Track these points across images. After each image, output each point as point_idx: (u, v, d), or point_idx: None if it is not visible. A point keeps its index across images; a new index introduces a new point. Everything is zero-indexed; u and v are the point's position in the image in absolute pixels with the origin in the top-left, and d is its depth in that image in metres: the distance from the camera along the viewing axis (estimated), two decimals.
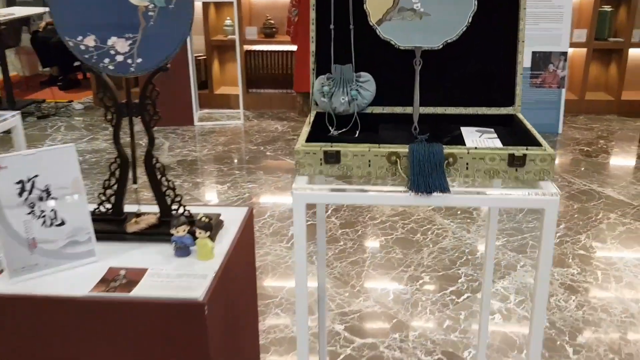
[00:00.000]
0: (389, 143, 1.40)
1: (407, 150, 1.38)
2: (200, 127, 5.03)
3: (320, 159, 1.39)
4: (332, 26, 1.59)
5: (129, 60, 1.62)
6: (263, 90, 5.41)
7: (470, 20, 1.52)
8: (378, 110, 1.62)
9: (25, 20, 6.55)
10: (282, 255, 3.12)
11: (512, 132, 1.52)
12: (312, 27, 1.61)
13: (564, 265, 2.92)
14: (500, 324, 2.49)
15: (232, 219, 1.80)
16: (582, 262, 2.95)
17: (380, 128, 1.56)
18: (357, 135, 1.53)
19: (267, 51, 5.30)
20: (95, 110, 5.50)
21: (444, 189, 1.32)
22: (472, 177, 1.37)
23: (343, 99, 1.57)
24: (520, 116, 1.59)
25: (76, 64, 6.33)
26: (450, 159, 1.36)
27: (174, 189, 1.72)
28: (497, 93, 1.59)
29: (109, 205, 1.74)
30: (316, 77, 1.62)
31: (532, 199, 1.30)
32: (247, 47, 5.28)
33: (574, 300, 2.64)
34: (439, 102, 1.61)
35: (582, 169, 4.16)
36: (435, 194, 1.32)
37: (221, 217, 1.77)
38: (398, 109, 1.62)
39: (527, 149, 1.35)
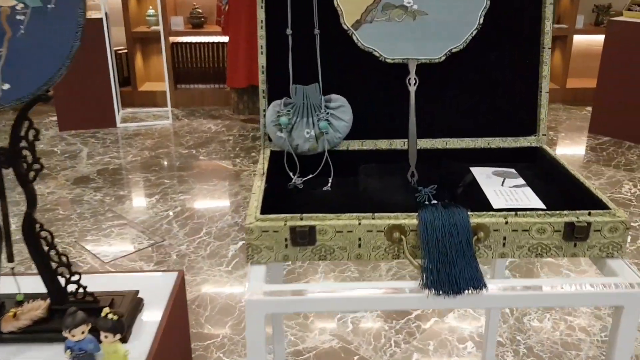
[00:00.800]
0: (384, 208, 0.91)
1: (415, 221, 0.89)
2: (124, 129, 4.37)
3: (286, 240, 0.89)
4: (289, 30, 1.08)
5: None
6: (193, 86, 4.78)
7: (481, 21, 1.06)
8: (356, 145, 1.14)
9: None
10: (222, 281, 2.60)
11: (542, 174, 1.07)
12: (261, 32, 1.10)
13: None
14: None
15: (157, 294, 1.27)
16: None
17: (361, 173, 1.08)
18: (329, 185, 1.05)
19: (195, 43, 4.66)
20: (4, 113, 4.70)
21: (479, 284, 0.85)
22: (510, 256, 0.91)
23: (308, 132, 1.07)
24: (547, 149, 1.14)
25: None
26: (481, 233, 0.89)
27: (68, 266, 1.17)
28: (514, 118, 1.14)
29: None
30: (268, 103, 1.11)
31: (606, 293, 0.85)
32: (173, 39, 4.63)
33: None
34: (438, 132, 1.14)
35: None
36: (466, 292, 0.85)
37: (140, 294, 1.24)
38: (383, 144, 1.14)
39: (590, 214, 0.89)
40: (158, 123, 4.50)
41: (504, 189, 1.01)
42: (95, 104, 4.22)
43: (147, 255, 2.83)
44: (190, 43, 4.70)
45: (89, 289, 1.20)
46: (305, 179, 1.05)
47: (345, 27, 1.05)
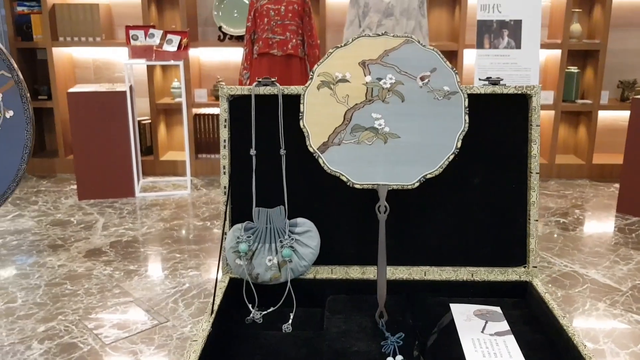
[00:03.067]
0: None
1: None
2: (142, 198, 4.36)
3: None
4: (253, 151, 0.99)
5: None
6: (213, 156, 4.78)
7: (459, 145, 0.95)
8: (324, 273, 1.02)
9: None
10: None
11: (530, 317, 0.93)
12: (224, 152, 1.02)
13: None
14: None
15: None
16: None
17: (327, 309, 0.96)
18: (289, 322, 0.93)
19: (217, 114, 4.70)
20: (27, 180, 4.78)
21: None
22: None
23: (270, 260, 0.97)
24: (538, 285, 1.00)
25: None
26: None
27: None
28: (501, 247, 1.01)
29: None
30: (231, 226, 1.01)
31: None
32: (195, 111, 4.67)
33: None
34: (415, 261, 1.02)
35: (561, 245, 3.64)
36: None
37: None
38: (355, 272, 1.02)
39: None
40: (176, 193, 4.49)
41: (483, 338, 0.87)
42: (115, 173, 4.25)
43: (149, 337, 2.72)
44: (213, 114, 4.75)
45: None
46: (265, 312, 0.94)
47: (312, 150, 0.96)
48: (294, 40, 4.08)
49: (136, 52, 4.13)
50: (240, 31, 4.51)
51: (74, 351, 2.53)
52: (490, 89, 0.97)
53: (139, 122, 4.55)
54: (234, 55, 4.77)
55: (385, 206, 0.94)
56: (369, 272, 1.01)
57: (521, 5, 3.63)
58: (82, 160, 4.12)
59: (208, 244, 3.63)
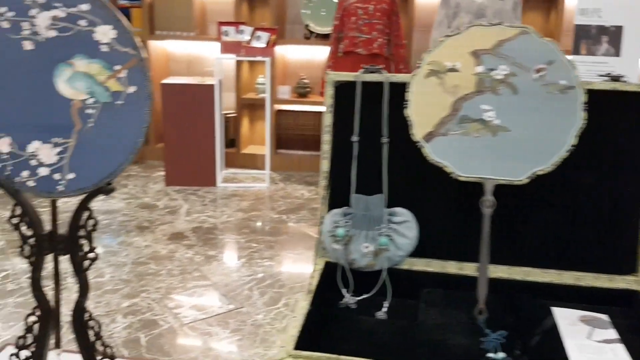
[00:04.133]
0: (441, 352, 0.76)
1: None
2: (223, 188, 4.47)
3: None
4: (355, 137, 0.99)
5: (57, 176, 1.04)
6: (292, 152, 4.83)
7: (573, 141, 0.90)
8: (420, 265, 1.00)
9: None
10: None
11: (639, 329, 0.87)
12: (326, 137, 1.02)
13: None
14: None
15: None
16: None
17: (422, 300, 0.94)
18: (384, 309, 0.91)
19: (298, 111, 4.74)
20: None
21: None
22: None
23: (366, 247, 0.96)
24: None
25: None
26: None
27: (112, 357, 1.12)
28: (610, 253, 0.95)
29: None
30: (328, 210, 1.02)
31: None
32: (278, 107, 4.74)
33: None
34: (516, 260, 0.97)
35: None
36: None
37: None
38: (451, 267, 0.99)
39: None
40: (255, 185, 4.57)
41: (590, 344, 0.82)
42: (200, 163, 4.38)
43: (225, 320, 2.78)
44: (294, 111, 4.79)
45: None
46: (359, 298, 0.93)
47: (416, 139, 0.94)
48: (380, 40, 4.04)
49: (226, 47, 4.24)
50: (326, 29, 4.53)
51: (154, 327, 2.62)
52: (610, 85, 0.91)
53: (224, 115, 4.67)
54: (319, 53, 4.80)
55: (491, 200, 0.90)
56: (467, 269, 0.97)
57: (624, 10, 3.42)
58: (171, 149, 4.28)
59: (283, 236, 3.68)
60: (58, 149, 1.01)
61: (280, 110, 4.80)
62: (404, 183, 0.98)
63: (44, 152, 1.02)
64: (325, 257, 1.01)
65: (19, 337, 1.13)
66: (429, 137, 0.94)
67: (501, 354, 0.76)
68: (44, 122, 1.00)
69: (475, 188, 0.94)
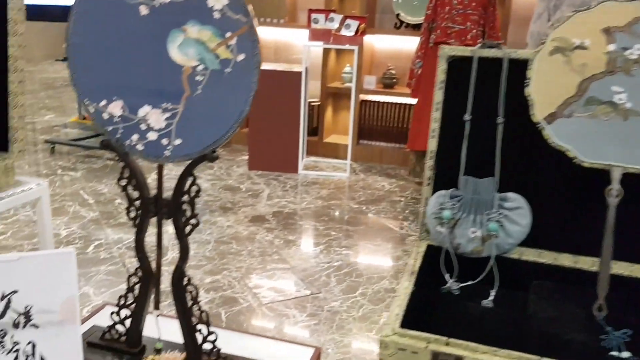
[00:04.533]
0: (555, 347, 0.70)
1: None
2: (304, 175, 4.49)
3: None
4: (467, 116, 0.94)
5: (164, 141, 1.06)
6: (374, 143, 4.78)
7: None
8: (531, 256, 0.93)
9: None
10: (369, 349, 2.43)
11: None
12: (436, 115, 0.97)
13: None
14: None
15: None
16: None
17: (532, 291, 0.87)
18: (490, 298, 0.86)
19: (383, 102, 4.68)
20: None
21: None
22: None
23: (473, 232, 0.90)
24: None
25: None
26: None
27: (207, 323, 1.13)
28: None
29: (122, 329, 1.19)
30: (433, 192, 0.97)
31: None
32: (362, 97, 4.70)
33: None
34: None
35: None
36: None
37: None
38: (565, 259, 0.92)
39: None
40: (336, 175, 4.56)
41: None
42: (283, 149, 4.43)
43: (302, 304, 2.79)
44: (379, 102, 4.74)
45: (225, 350, 1.14)
46: (463, 285, 0.88)
47: (536, 120, 0.87)
48: (474, 31, 3.90)
49: (315, 35, 4.24)
50: (417, 19, 4.43)
51: (234, 305, 2.67)
52: None
53: (309, 103, 4.69)
54: (408, 44, 4.70)
55: (618, 190, 0.82)
56: (582, 262, 0.90)
57: None
58: (255, 134, 4.35)
59: (362, 227, 3.65)
60: (167, 115, 1.03)
61: (364, 101, 4.76)
62: (517, 166, 0.92)
63: (154, 117, 1.04)
64: (427, 240, 0.96)
65: (120, 296, 1.17)
66: (550, 118, 0.87)
67: (626, 353, 0.69)
68: (155, 87, 1.02)
69: (598, 176, 0.86)
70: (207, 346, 1.13)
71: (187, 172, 1.07)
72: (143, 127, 1.05)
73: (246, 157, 4.80)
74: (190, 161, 1.05)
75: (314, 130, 4.97)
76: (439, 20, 3.95)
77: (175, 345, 1.17)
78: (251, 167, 4.54)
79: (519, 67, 0.89)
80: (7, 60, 1.23)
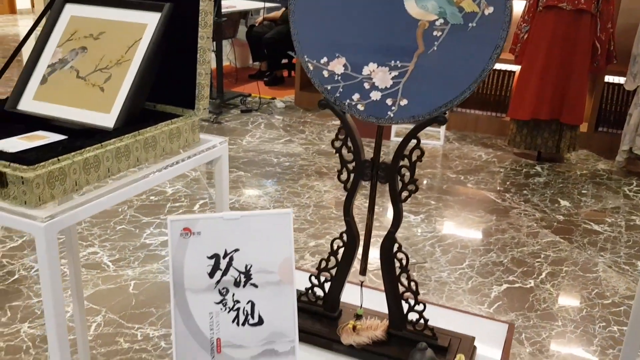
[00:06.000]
0: None
1: None
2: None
3: None
4: None
5: (389, 101, 1.01)
6: (469, 111, 4.63)
7: None
8: None
9: (244, 14, 6.47)
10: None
11: None
12: None
13: None
14: None
15: (488, 344, 1.13)
16: None
17: None
18: None
19: None
20: (295, 110, 5.15)
21: None
22: None
23: None
24: None
25: (284, 61, 6.05)
26: None
27: (415, 293, 1.09)
28: None
29: (320, 293, 1.17)
30: None
31: None
32: None
33: None
34: None
35: None
36: None
37: (475, 342, 1.11)
38: None
39: None
40: (429, 142, 4.46)
41: None
42: None
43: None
44: None
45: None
46: None
47: None
48: None
49: None
50: None
51: None
52: None
53: None
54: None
55: None
56: None
57: None
58: None
59: (462, 197, 3.56)
60: (394, 73, 0.97)
61: None
62: None
63: (379, 76, 0.98)
64: None
65: (322, 259, 1.15)
66: None
67: None
68: (384, 43, 0.97)
69: None
70: (412, 316, 1.10)
71: (412, 135, 1.02)
72: (366, 85, 0.99)
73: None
74: (416, 123, 1.00)
75: None
76: None
77: (376, 313, 1.15)
78: None
79: None
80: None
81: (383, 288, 1.13)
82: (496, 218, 3.33)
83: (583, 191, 3.67)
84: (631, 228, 3.20)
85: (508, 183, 3.80)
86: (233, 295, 1.00)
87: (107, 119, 1.17)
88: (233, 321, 1.00)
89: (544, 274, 2.73)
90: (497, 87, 4.52)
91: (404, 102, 0.98)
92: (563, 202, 3.50)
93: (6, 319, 2.19)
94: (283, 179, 3.71)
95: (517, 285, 2.65)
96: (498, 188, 3.74)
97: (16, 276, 2.47)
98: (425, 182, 3.87)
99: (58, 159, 0.99)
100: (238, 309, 1.01)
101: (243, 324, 1.00)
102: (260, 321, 1.01)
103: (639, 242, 3.04)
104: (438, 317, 1.12)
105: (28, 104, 1.24)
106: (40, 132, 1.14)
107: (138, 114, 1.22)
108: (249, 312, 1.01)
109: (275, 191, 3.55)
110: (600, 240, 3.05)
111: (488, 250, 3.01)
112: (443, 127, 4.37)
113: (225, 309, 1.00)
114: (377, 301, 1.18)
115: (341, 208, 3.34)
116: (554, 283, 2.64)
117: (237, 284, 1.01)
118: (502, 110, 4.46)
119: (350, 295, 1.18)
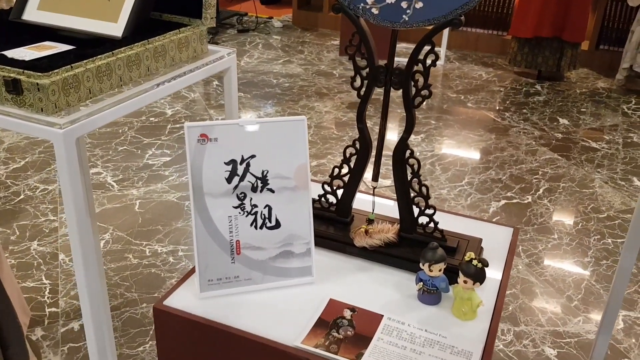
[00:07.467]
0: None
1: None
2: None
3: None
4: None
5: (404, 4, 1.00)
6: (470, 29, 4.54)
7: None
8: None
9: None
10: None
11: None
12: None
13: None
14: None
15: (494, 247, 1.18)
16: None
17: None
18: None
19: None
20: (293, 30, 5.03)
21: None
22: None
23: None
24: None
25: None
26: None
27: (426, 197, 1.13)
28: None
29: (333, 199, 1.20)
30: None
31: None
32: None
33: None
34: None
35: None
36: None
37: (482, 244, 1.16)
38: None
39: None
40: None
41: None
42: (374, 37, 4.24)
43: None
44: None
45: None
46: None
47: None
48: None
49: None
50: None
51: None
52: None
53: None
54: None
55: None
56: None
57: None
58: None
59: (462, 116, 3.56)
60: None
61: None
62: None
63: None
64: None
65: (335, 167, 1.17)
66: None
67: None
68: None
69: None
70: (422, 219, 1.14)
71: (426, 39, 1.02)
72: None
73: (336, 42, 4.66)
74: (431, 27, 0.99)
75: None
76: None
77: (386, 219, 1.18)
78: (341, 53, 4.42)
79: None
80: None
81: (393, 197, 1.16)
82: (495, 137, 3.35)
83: (582, 109, 3.68)
84: (628, 145, 3.24)
85: (508, 102, 3.79)
86: (251, 199, 1.03)
87: (115, 28, 1.16)
88: (251, 224, 1.04)
89: (541, 190, 2.78)
90: (498, 4, 4.41)
91: (419, 4, 0.97)
92: (562, 120, 3.52)
93: (15, 237, 2.24)
94: (283, 100, 3.69)
95: (514, 200, 2.71)
96: (498, 107, 3.75)
97: (22, 196, 2.50)
98: (425, 102, 3.85)
99: (71, 67, 0.98)
100: (256, 213, 1.04)
101: (261, 227, 1.04)
102: (277, 224, 1.05)
103: (635, 159, 3.09)
104: (447, 223, 1.16)
105: (32, 13, 1.21)
106: (48, 42, 1.13)
107: (145, 24, 1.20)
108: (267, 215, 1.04)
109: (275, 112, 3.54)
110: (597, 157, 3.09)
111: (487, 168, 3.05)
112: (444, 47, 4.31)
113: (244, 213, 1.03)
114: (388, 209, 1.21)
115: (342, 129, 3.37)
116: (551, 198, 2.70)
117: (254, 189, 1.04)
118: (503, 28, 4.38)
119: (361, 204, 1.22)
